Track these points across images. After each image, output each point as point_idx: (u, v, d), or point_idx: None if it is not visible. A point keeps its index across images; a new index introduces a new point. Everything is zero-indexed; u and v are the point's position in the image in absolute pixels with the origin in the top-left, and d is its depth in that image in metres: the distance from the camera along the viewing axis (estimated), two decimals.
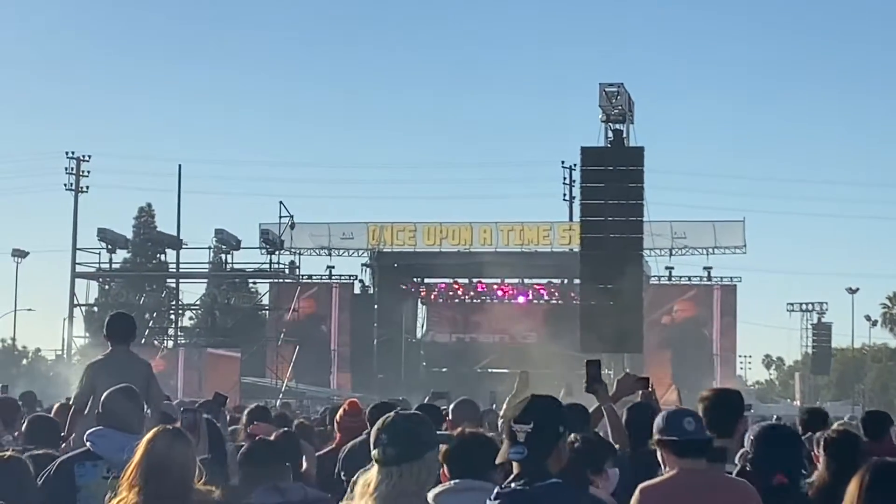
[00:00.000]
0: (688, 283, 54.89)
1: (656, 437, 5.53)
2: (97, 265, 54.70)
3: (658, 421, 5.57)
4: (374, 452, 4.66)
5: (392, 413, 4.81)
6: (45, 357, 73.20)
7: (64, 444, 8.54)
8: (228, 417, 10.98)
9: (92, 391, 9.22)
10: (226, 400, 9.99)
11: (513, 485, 4.64)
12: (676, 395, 17.60)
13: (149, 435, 5.29)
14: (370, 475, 4.67)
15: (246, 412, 10.87)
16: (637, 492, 5.46)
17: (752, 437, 6.01)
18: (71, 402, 10.05)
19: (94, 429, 6.63)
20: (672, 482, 5.42)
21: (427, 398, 10.11)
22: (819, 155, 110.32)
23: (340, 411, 9.66)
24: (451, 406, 9.45)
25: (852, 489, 3.86)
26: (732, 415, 6.25)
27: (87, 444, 6.50)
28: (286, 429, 8.66)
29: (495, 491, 4.69)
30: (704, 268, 54.53)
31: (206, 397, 12.22)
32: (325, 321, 56.40)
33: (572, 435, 5.87)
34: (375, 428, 4.72)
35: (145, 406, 7.81)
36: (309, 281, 56.94)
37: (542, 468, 4.63)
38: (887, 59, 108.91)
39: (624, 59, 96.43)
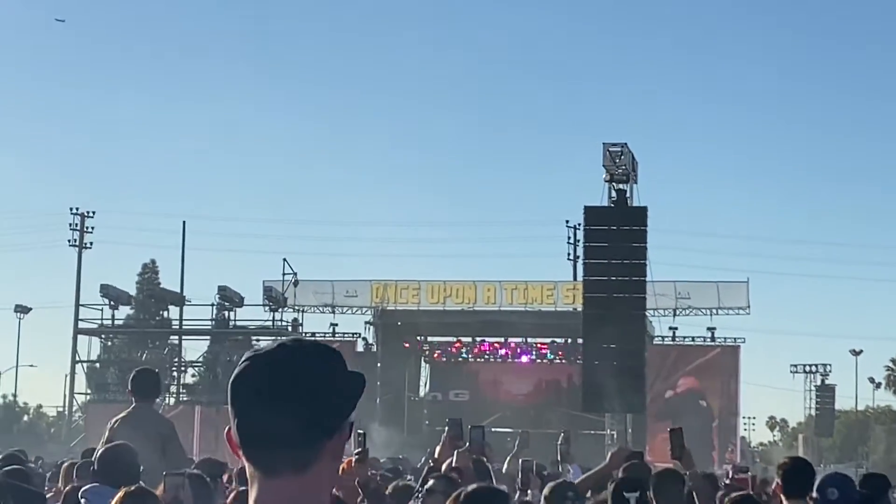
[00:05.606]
0: (691, 343, 54.75)
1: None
2: (100, 321, 54.61)
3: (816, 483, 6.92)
4: None
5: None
6: (46, 414, 73.25)
7: None
8: (226, 478, 10.80)
9: None
10: (224, 467, 9.85)
11: None
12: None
13: (115, 499, 5.19)
14: None
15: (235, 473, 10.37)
16: None
17: None
18: (94, 460, 9.78)
19: (89, 485, 6.60)
20: None
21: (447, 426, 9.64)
22: (823, 216, 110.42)
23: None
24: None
25: None
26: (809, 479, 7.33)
27: (82, 501, 6.48)
28: None
29: None
30: (708, 328, 54.44)
31: (221, 455, 12.07)
32: None
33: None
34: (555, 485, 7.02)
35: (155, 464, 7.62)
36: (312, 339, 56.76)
37: None
38: (888, 116, 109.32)
39: (628, 118, 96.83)
